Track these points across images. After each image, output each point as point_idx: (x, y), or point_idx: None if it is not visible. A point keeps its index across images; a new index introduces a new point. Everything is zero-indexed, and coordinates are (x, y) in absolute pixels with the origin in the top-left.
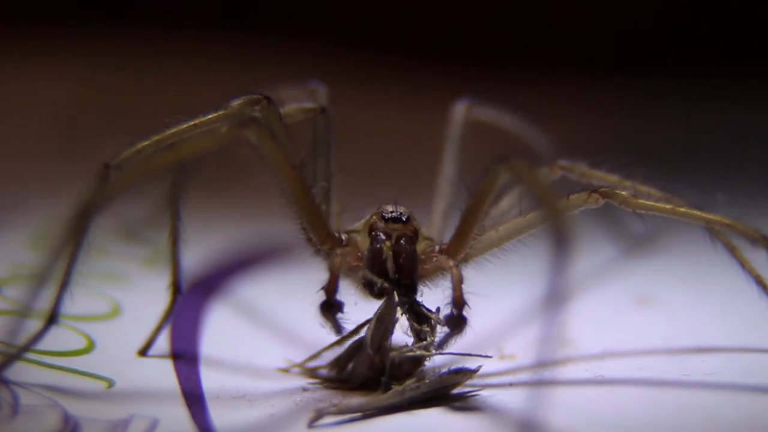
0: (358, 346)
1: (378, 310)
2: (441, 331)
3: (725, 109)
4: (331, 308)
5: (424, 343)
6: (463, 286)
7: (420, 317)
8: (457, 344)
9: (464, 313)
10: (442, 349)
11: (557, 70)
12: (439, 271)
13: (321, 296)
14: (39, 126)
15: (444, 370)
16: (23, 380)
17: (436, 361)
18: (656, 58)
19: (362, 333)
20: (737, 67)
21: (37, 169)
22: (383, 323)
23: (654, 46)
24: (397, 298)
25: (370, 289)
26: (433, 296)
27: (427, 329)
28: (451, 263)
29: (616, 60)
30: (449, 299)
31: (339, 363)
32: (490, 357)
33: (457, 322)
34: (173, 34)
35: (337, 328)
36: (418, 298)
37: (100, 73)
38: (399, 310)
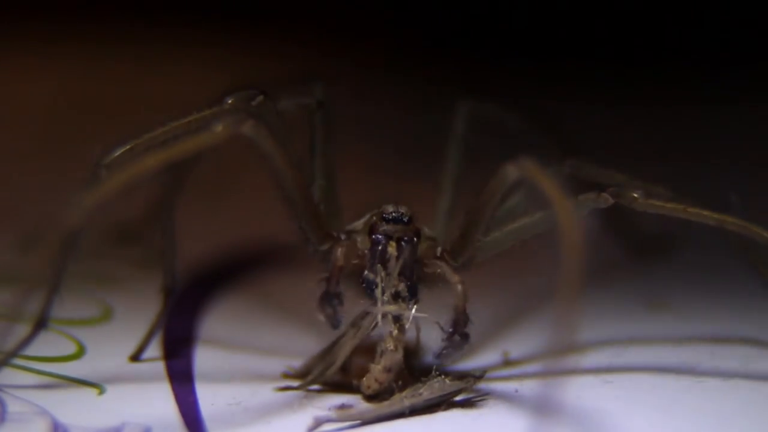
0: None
1: (357, 319)
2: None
3: (734, 107)
4: (331, 300)
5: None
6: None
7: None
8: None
9: (466, 330)
10: (441, 362)
11: (562, 66)
12: (441, 278)
13: (321, 288)
14: (28, 125)
15: (446, 379)
16: (10, 387)
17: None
18: (664, 54)
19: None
20: (745, 63)
21: (27, 169)
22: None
23: (661, 42)
24: (383, 308)
25: (369, 291)
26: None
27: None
28: (456, 278)
29: (621, 56)
30: (452, 315)
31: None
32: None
33: (458, 342)
34: (167, 30)
35: (335, 321)
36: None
37: (91, 71)
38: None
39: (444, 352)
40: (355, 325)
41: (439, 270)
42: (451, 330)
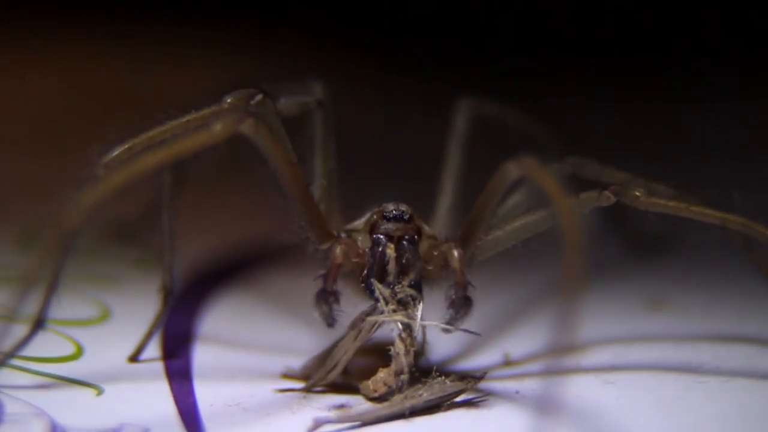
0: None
1: (358, 321)
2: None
3: (736, 105)
4: (327, 298)
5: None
6: (464, 266)
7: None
8: (462, 347)
9: (468, 293)
10: (451, 328)
11: (563, 64)
12: (444, 267)
13: (318, 285)
14: (26, 123)
15: (447, 380)
16: (8, 387)
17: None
18: (666, 52)
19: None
20: (744, 61)
21: (25, 168)
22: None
23: (661, 39)
24: (390, 315)
25: (369, 291)
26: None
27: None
28: (451, 244)
29: (623, 54)
30: (452, 281)
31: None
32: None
33: (461, 304)
34: (166, 29)
35: (331, 319)
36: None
37: (89, 70)
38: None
39: (450, 317)
40: (355, 327)
41: (436, 253)
42: (453, 296)
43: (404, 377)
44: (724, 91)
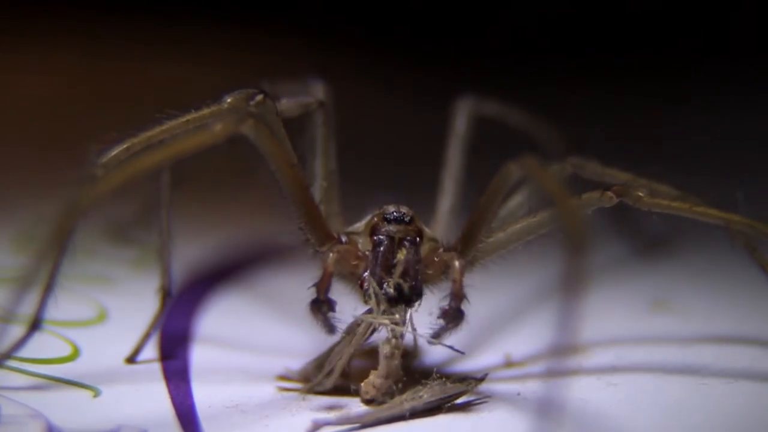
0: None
1: (353, 326)
2: (436, 324)
3: (738, 105)
4: (321, 307)
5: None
6: (464, 279)
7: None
8: (463, 348)
9: (462, 307)
10: (437, 340)
11: (563, 65)
12: (444, 272)
13: (312, 294)
14: (24, 122)
15: (447, 381)
16: (4, 389)
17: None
18: (670, 52)
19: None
20: (746, 60)
21: (22, 167)
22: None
23: (659, 40)
24: (379, 318)
25: (368, 295)
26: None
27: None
28: (454, 254)
29: (627, 53)
30: (448, 291)
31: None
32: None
33: (454, 316)
34: (166, 28)
35: (329, 327)
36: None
37: (88, 68)
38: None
39: (439, 328)
40: (350, 332)
41: (437, 259)
42: (447, 306)
43: (389, 381)
44: (727, 91)
